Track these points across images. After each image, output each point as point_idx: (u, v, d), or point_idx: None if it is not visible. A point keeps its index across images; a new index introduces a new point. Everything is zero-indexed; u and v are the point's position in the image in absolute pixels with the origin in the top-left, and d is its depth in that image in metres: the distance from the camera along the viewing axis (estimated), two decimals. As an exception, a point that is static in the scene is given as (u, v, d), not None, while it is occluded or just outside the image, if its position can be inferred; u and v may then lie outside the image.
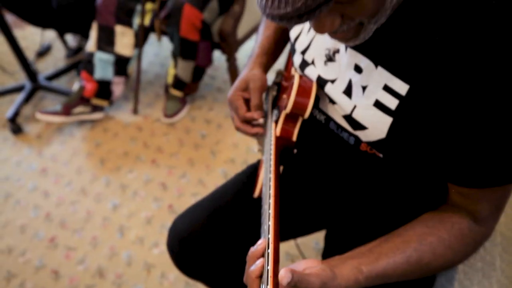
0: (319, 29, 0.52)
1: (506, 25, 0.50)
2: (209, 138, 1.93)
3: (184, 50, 1.78)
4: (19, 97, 2.09)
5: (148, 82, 2.27)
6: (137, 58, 1.95)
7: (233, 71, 1.93)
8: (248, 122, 0.81)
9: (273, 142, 0.75)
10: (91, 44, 1.90)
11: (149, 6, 1.89)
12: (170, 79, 1.95)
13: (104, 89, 1.93)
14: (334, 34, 0.56)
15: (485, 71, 0.51)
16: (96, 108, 1.98)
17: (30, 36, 2.70)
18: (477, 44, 0.51)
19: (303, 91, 0.71)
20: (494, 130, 0.54)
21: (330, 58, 0.69)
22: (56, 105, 1.98)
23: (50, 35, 2.63)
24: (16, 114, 2.02)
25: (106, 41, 1.87)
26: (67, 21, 2.05)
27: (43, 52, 2.54)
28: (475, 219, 0.64)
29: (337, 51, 0.68)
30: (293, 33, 0.77)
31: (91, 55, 1.88)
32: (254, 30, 1.95)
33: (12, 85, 2.19)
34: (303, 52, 0.73)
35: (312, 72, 0.72)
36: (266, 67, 0.87)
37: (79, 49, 2.49)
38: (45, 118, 1.92)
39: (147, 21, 1.90)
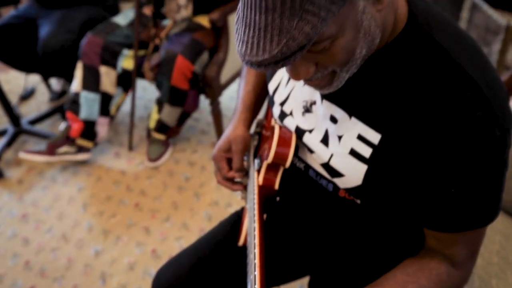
0: (295, 76, 0.56)
1: (462, 80, 0.55)
2: (193, 181, 1.93)
3: (173, 97, 1.81)
4: (1, 141, 2.08)
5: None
6: (131, 101, 1.98)
7: (217, 114, 1.97)
8: (230, 179, 0.85)
9: (256, 191, 0.77)
10: (76, 84, 1.91)
11: (141, 52, 1.94)
12: (152, 124, 1.97)
13: (89, 130, 1.94)
14: (309, 82, 0.60)
15: (444, 124, 0.55)
16: (81, 149, 1.98)
17: (13, 80, 2.71)
18: (438, 98, 0.56)
19: (283, 141, 0.74)
20: (459, 179, 0.57)
21: (307, 110, 0.73)
22: (41, 145, 1.97)
23: (34, 78, 2.65)
24: (-2, 158, 2.01)
25: (91, 81, 1.90)
26: (52, 67, 2.08)
27: (27, 96, 2.55)
28: (452, 263, 0.66)
29: (314, 102, 0.71)
30: (271, 86, 0.81)
31: (76, 95, 1.90)
32: (236, 75, 2.01)
33: (-7, 130, 2.18)
34: (282, 104, 0.77)
35: (290, 123, 0.75)
36: (249, 122, 0.91)
37: (63, 92, 2.51)
38: (29, 157, 1.91)
39: (130, 65, 1.93)
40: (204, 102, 2.38)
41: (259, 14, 0.48)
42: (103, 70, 1.88)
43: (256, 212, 0.71)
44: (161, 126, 1.96)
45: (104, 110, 1.94)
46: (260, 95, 0.94)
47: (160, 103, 1.89)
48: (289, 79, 0.77)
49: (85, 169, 2.01)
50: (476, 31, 1.70)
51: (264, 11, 0.47)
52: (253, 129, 0.95)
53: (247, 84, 0.95)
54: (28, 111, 2.44)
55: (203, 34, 1.83)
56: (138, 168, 2.01)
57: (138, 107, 2.43)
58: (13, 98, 2.47)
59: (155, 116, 1.95)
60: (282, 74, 0.80)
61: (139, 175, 1.97)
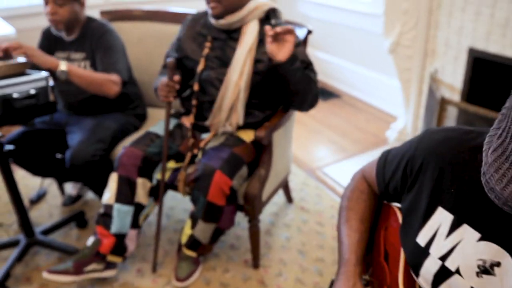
0: None
1: None
2: (227, 306, 1.77)
3: (208, 213, 1.71)
4: (12, 254, 1.90)
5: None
6: (157, 215, 1.86)
7: (255, 233, 1.87)
8: None
9: None
10: (109, 196, 1.79)
11: (171, 164, 1.87)
12: (184, 239, 1.84)
13: (120, 244, 1.79)
14: None
15: None
16: (108, 265, 1.81)
17: (21, 180, 2.56)
18: None
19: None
20: None
21: (486, 271, 0.65)
22: (66, 262, 1.77)
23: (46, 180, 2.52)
24: (7, 276, 1.81)
25: (126, 193, 1.78)
26: (78, 177, 1.98)
27: (37, 199, 2.40)
28: None
29: (498, 264, 0.64)
30: (423, 234, 0.76)
31: (109, 208, 1.77)
32: (276, 191, 1.95)
33: (4, 240, 1.99)
34: (443, 258, 0.70)
35: (460, 284, 0.67)
36: (362, 276, 0.86)
37: (78, 197, 2.37)
38: (55, 278, 1.71)
39: (167, 177, 1.85)
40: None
41: None
42: (140, 181, 1.79)
43: None
44: (193, 242, 1.83)
45: (135, 222, 1.82)
46: (366, 243, 0.91)
47: (194, 218, 1.78)
48: (450, 230, 0.71)
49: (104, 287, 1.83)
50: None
51: None
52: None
53: (355, 232, 0.91)
54: (39, 216, 2.27)
55: (243, 149, 1.79)
56: (165, 289, 1.84)
57: (167, 219, 2.30)
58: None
59: (188, 231, 1.82)
60: (438, 221, 0.74)
61: (167, 299, 1.79)
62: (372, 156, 2.78)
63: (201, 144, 1.86)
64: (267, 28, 1.56)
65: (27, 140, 2.00)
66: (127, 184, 1.78)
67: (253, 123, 1.85)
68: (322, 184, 2.55)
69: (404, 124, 2.64)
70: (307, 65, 1.75)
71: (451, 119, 2.20)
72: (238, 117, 1.79)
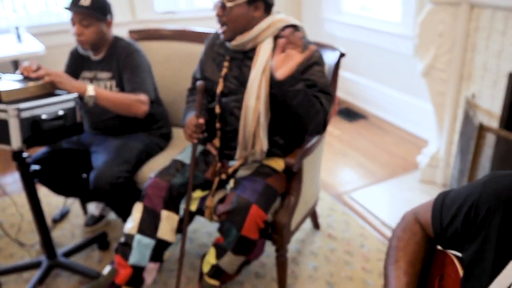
0: None
1: None
2: None
3: (239, 247, 1.63)
4: (34, 277, 1.86)
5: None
6: (180, 244, 1.79)
7: (282, 263, 1.79)
8: None
9: None
10: (131, 226, 1.74)
11: (198, 193, 1.81)
12: (206, 268, 1.76)
13: (136, 276, 1.72)
14: None
15: None
16: (124, 295, 1.75)
17: (44, 198, 2.54)
18: None
19: None
20: None
21: None
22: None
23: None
24: (28, 300, 1.77)
25: (149, 225, 1.73)
26: (102, 198, 1.94)
27: (60, 218, 2.37)
28: None
29: None
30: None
31: (130, 237, 1.72)
32: (305, 219, 1.87)
33: (26, 261, 1.96)
34: None
35: None
36: None
37: (101, 217, 2.34)
38: None
39: (194, 207, 1.79)
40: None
41: None
42: (165, 214, 1.73)
43: None
44: (216, 271, 1.75)
45: (156, 256, 1.75)
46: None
47: (221, 249, 1.69)
48: None
49: (127, 318, 1.76)
50: None
51: None
52: None
53: (404, 274, 0.86)
54: (61, 236, 2.24)
55: (276, 179, 1.72)
56: (188, 319, 1.77)
57: (190, 243, 2.24)
58: (46, 220, 2.29)
59: (211, 260, 1.74)
60: (510, 276, 0.66)
61: (189, 330, 1.72)
62: (402, 181, 2.68)
63: (230, 170, 1.79)
64: (280, 39, 1.43)
65: (53, 160, 1.98)
66: (152, 216, 1.73)
67: (282, 149, 1.78)
68: (350, 210, 2.45)
69: (436, 149, 2.54)
70: (321, 89, 1.59)
71: (489, 147, 2.09)
72: (262, 143, 1.69)
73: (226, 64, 1.74)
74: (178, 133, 2.29)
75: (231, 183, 1.75)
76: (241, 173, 1.76)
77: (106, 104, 1.81)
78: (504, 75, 2.06)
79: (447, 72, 2.32)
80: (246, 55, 1.71)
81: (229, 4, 1.60)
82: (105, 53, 1.99)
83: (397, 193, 2.57)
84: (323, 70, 1.65)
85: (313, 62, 1.62)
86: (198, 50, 2.24)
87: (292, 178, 1.76)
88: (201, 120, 1.70)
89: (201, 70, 1.87)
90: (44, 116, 1.56)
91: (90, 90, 1.75)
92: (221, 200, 1.75)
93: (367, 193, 2.60)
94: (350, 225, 2.32)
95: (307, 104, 1.52)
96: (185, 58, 2.31)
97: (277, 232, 1.70)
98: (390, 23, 3.41)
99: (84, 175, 2.10)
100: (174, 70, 2.33)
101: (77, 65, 2.04)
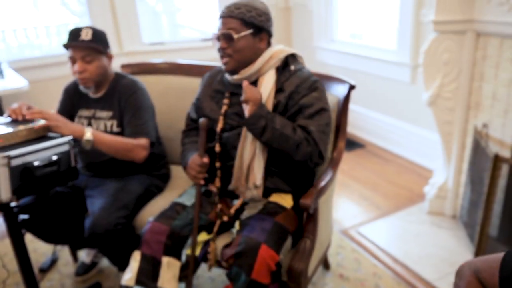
0: None
1: None
2: None
3: (249, 293, 1.49)
4: None
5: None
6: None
7: (299, 314, 1.64)
8: None
9: None
10: (129, 277, 1.58)
11: (202, 236, 1.66)
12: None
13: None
14: None
15: None
16: None
17: (31, 244, 2.34)
18: None
19: None
20: None
21: None
22: None
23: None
24: None
25: (149, 274, 1.57)
26: (98, 246, 1.77)
27: (47, 267, 2.18)
28: None
29: None
30: None
31: (127, 291, 1.56)
32: (320, 263, 1.73)
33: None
34: None
35: None
36: None
37: (93, 265, 2.15)
38: None
39: (198, 251, 1.65)
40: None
41: None
42: (165, 261, 1.58)
43: None
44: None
45: None
46: None
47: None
48: None
49: None
50: None
51: None
52: None
53: None
54: (49, 286, 2.04)
55: (285, 217, 1.59)
56: None
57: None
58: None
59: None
60: None
61: None
62: (409, 213, 2.58)
63: (232, 211, 1.67)
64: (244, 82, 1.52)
65: (42, 207, 1.81)
66: (151, 264, 1.57)
67: (289, 184, 1.67)
68: (359, 246, 2.33)
69: (444, 180, 2.46)
70: (310, 116, 1.56)
71: (503, 178, 2.02)
72: (255, 177, 1.60)
73: (226, 101, 1.67)
74: (176, 172, 2.15)
75: (237, 225, 1.62)
76: (247, 213, 1.64)
77: (104, 148, 1.68)
78: (515, 104, 2.00)
79: (453, 101, 2.26)
80: None
81: (235, 36, 1.54)
82: (106, 90, 1.86)
83: (406, 226, 2.46)
84: (320, 97, 1.61)
85: (313, 88, 1.58)
86: (193, 84, 2.14)
87: (307, 220, 1.63)
88: (206, 159, 1.60)
89: (198, 108, 1.78)
90: (36, 163, 1.40)
91: (88, 133, 1.61)
92: (227, 245, 1.61)
93: (375, 227, 2.48)
94: (362, 263, 2.19)
95: (279, 139, 1.51)
96: (181, 93, 2.20)
97: (293, 280, 1.55)
98: (385, 51, 3.38)
99: (76, 221, 1.93)
100: (169, 105, 2.20)
101: (73, 103, 1.90)
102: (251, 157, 1.59)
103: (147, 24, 4.30)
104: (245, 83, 1.54)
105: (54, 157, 1.47)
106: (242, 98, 1.52)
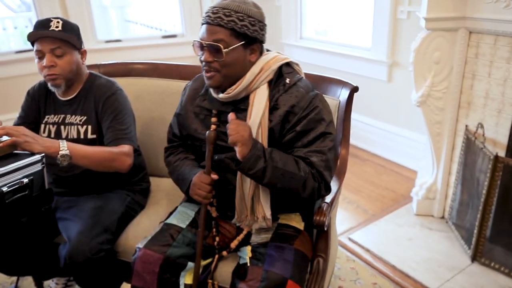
0: None
1: None
2: None
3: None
4: None
5: None
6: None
7: None
8: None
9: None
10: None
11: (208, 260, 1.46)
12: None
13: None
14: None
15: None
16: None
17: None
18: None
19: None
20: None
21: None
22: None
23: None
24: None
25: (141, 312, 1.36)
26: (76, 276, 1.52)
27: (9, 302, 1.88)
28: None
29: None
30: None
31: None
32: (329, 282, 1.59)
33: None
34: None
35: None
36: None
37: (64, 296, 1.88)
38: None
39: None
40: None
41: None
42: None
43: None
44: None
45: None
46: None
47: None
48: None
49: None
50: None
51: None
52: None
53: None
54: (14, 328, 1.75)
55: (302, 241, 1.42)
56: None
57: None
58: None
59: None
60: None
61: None
62: (397, 216, 2.50)
63: (232, 245, 1.46)
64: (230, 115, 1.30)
65: (4, 236, 1.53)
66: None
67: (298, 203, 1.51)
68: (354, 255, 2.22)
69: (433, 181, 2.40)
70: (310, 142, 1.33)
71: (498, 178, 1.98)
72: (263, 208, 1.38)
73: (213, 119, 1.40)
74: (156, 184, 1.92)
75: (248, 251, 1.42)
76: (257, 238, 1.45)
77: (85, 162, 1.43)
78: (510, 103, 1.96)
79: (444, 101, 2.20)
80: (237, 107, 1.38)
81: (225, 50, 1.27)
82: (79, 91, 1.60)
83: (397, 230, 2.38)
84: (320, 118, 1.35)
85: (311, 108, 1.34)
86: (171, 86, 1.92)
87: (318, 237, 1.48)
88: (215, 176, 1.37)
89: (181, 125, 1.52)
90: (4, 189, 1.15)
91: (64, 148, 1.36)
92: (236, 272, 1.42)
93: (366, 233, 2.39)
94: (360, 273, 2.08)
95: (282, 179, 1.27)
96: (158, 97, 1.97)
97: (310, 306, 1.40)
98: (359, 48, 3.31)
99: (45, 248, 1.66)
100: (146, 110, 1.97)
101: (39, 108, 1.63)
102: (253, 187, 1.36)
103: (96, 19, 3.97)
104: (232, 117, 1.29)
105: (25, 180, 1.22)
106: (229, 141, 1.27)
